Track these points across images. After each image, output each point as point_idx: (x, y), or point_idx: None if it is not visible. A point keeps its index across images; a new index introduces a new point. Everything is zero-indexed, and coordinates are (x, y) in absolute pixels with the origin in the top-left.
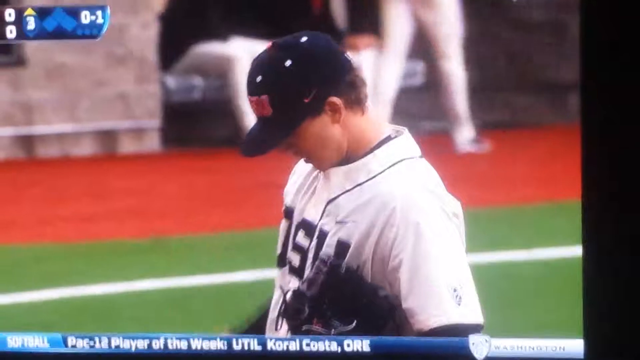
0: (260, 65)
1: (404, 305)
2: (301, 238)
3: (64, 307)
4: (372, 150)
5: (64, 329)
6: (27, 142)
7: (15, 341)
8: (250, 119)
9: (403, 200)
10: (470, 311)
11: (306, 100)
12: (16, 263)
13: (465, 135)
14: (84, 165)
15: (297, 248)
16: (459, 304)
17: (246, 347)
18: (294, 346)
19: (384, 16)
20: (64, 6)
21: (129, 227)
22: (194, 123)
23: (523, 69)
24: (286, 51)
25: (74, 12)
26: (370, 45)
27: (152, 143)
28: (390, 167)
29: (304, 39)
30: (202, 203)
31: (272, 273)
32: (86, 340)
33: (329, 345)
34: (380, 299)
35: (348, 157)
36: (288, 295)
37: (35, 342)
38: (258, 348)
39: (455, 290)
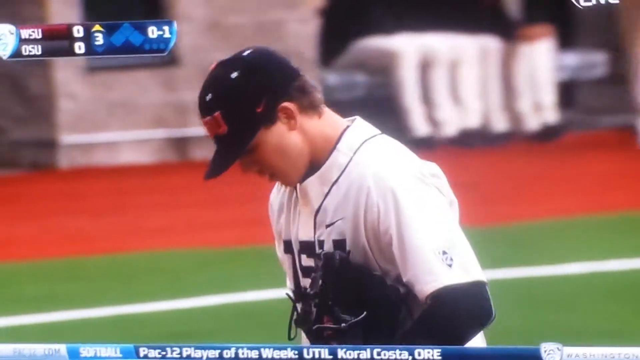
0: (207, 84)
1: (404, 279)
2: (305, 260)
3: (225, 314)
4: (334, 147)
5: (226, 337)
6: (181, 144)
7: (88, 352)
8: (415, 117)
9: (374, 177)
10: (463, 271)
11: (258, 110)
12: (175, 270)
13: None
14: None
15: (306, 271)
16: (451, 266)
17: (317, 356)
18: (365, 355)
19: None
20: (131, 22)
21: None
22: None
23: None
24: (231, 65)
25: (141, 27)
26: (546, 35)
27: None
28: (354, 153)
29: (246, 52)
30: None
31: None
32: (158, 351)
33: (400, 354)
34: (383, 284)
35: (316, 163)
36: (298, 306)
37: (108, 352)
38: (329, 357)
39: (444, 253)
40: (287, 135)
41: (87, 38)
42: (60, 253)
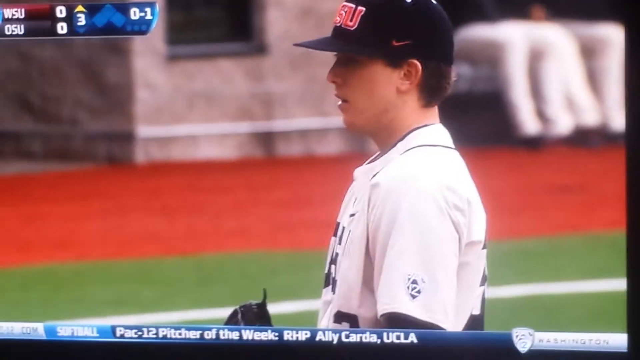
0: None
1: (375, 294)
2: (333, 245)
3: (300, 323)
4: (396, 143)
5: None
6: (266, 139)
7: (65, 331)
8: (524, 114)
9: (391, 180)
10: (425, 309)
11: (394, 43)
12: (250, 274)
13: None
14: (330, 165)
15: (332, 257)
16: (414, 297)
17: (296, 338)
18: (339, 338)
19: None
20: (113, 3)
21: None
22: (459, 117)
23: None
24: None
25: (123, 9)
26: None
27: None
28: (403, 153)
29: (437, 4)
30: None
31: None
32: (134, 331)
33: (371, 337)
34: None
35: (379, 139)
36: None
37: (85, 332)
38: (308, 339)
39: (414, 282)
40: (388, 86)
41: (70, 18)
42: (131, 254)
